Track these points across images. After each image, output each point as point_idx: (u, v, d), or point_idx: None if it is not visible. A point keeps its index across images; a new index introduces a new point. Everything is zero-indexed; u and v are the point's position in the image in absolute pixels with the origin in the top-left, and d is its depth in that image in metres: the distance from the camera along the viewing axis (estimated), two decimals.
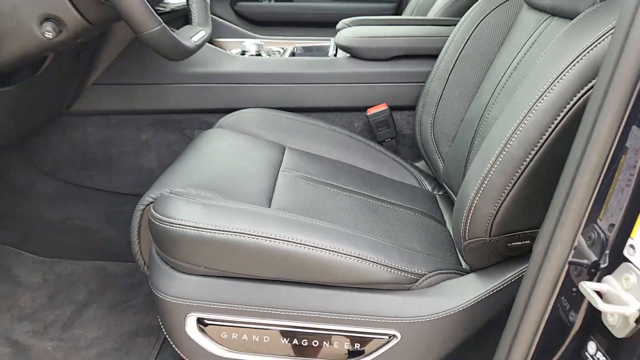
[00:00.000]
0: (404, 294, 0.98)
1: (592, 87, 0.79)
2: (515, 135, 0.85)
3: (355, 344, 0.98)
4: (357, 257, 0.95)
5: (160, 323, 1.04)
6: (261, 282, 0.98)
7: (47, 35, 1.06)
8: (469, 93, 1.35)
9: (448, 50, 1.41)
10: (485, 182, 0.89)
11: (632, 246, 0.64)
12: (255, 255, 0.94)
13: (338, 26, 1.75)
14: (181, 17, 1.80)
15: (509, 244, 0.94)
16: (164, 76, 1.58)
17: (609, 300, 0.64)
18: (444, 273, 1.01)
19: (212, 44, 1.85)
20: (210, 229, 0.94)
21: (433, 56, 1.49)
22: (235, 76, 1.59)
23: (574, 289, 0.72)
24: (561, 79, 0.81)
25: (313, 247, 0.94)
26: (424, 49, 1.57)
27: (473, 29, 1.36)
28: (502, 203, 0.89)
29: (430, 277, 0.99)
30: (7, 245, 1.72)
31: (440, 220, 1.28)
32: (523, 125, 0.84)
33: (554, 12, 1.10)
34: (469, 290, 0.98)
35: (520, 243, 0.94)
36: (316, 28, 2.69)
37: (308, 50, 2.02)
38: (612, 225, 0.66)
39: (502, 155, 0.87)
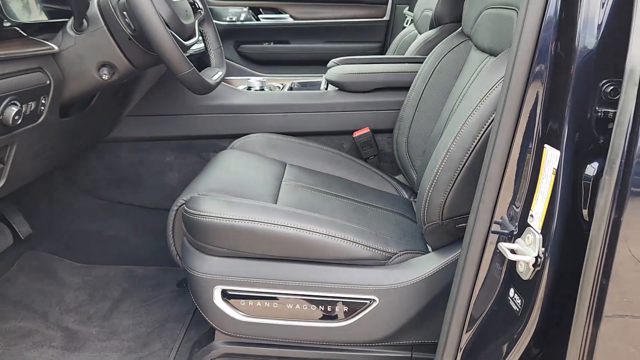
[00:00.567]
0: (381, 268, 1.28)
1: None
2: (455, 142, 1.16)
3: (344, 307, 1.28)
4: (343, 239, 1.25)
5: (192, 297, 1.34)
6: (271, 261, 1.28)
7: (103, 77, 1.38)
8: (434, 116, 1.67)
9: (417, 82, 1.74)
10: (436, 178, 1.20)
11: (531, 215, 0.94)
12: (266, 239, 1.25)
13: (328, 65, 2.10)
14: (196, 60, 2.14)
15: (457, 225, 1.25)
16: (185, 108, 1.91)
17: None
18: (410, 252, 1.31)
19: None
20: (231, 219, 1.24)
21: (406, 87, 1.81)
22: (243, 107, 1.93)
23: (498, 251, 1.02)
24: (483, 102, 1.13)
25: (311, 231, 1.25)
26: (399, 82, 1.91)
27: (436, 64, 1.69)
28: (449, 193, 1.19)
29: (400, 255, 1.29)
30: (51, 254, 2.00)
31: (412, 219, 1.57)
32: (460, 134, 1.16)
33: (491, 53, 1.43)
34: (429, 264, 1.28)
35: (464, 224, 1.24)
36: (310, 66, 3.05)
37: (303, 85, 2.31)
38: (520, 203, 0.97)
39: (446, 158, 1.18)
